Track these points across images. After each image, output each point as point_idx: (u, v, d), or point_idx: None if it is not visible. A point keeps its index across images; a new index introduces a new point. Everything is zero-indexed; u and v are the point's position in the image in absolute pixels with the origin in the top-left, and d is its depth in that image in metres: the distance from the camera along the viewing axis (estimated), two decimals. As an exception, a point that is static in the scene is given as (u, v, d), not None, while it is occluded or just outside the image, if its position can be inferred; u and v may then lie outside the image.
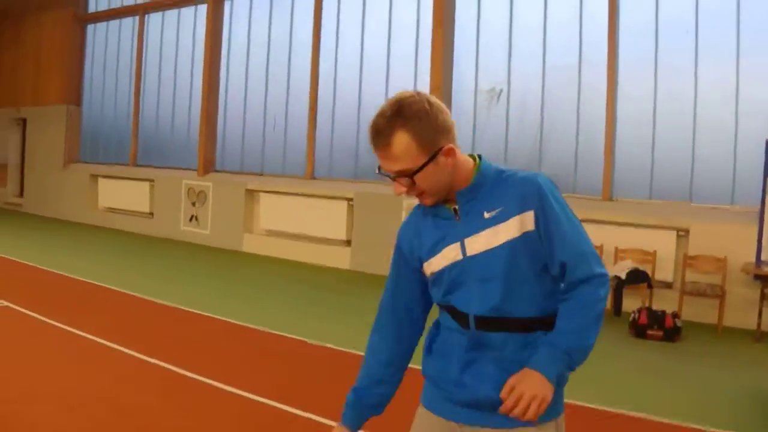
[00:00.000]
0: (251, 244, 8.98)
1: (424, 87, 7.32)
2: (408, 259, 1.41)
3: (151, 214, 10.29)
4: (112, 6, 11.36)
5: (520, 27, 6.92)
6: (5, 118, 13.24)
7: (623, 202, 6.36)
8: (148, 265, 7.76)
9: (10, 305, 5.24)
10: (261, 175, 9.28)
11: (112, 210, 10.94)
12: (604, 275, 1.29)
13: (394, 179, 1.28)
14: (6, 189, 13.39)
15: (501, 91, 6.88)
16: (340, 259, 8.01)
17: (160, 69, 10.55)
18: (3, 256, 7.51)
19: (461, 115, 7.14)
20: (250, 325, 4.95)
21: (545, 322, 1.30)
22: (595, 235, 5.46)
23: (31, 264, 7.12)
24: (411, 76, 7.57)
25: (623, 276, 5.24)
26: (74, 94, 11.93)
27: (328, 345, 4.48)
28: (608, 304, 5.26)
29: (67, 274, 6.64)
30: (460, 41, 7.31)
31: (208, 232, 9.48)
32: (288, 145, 8.91)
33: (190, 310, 5.40)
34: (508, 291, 1.28)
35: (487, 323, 1.30)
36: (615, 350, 4.63)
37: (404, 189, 1.29)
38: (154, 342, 4.39)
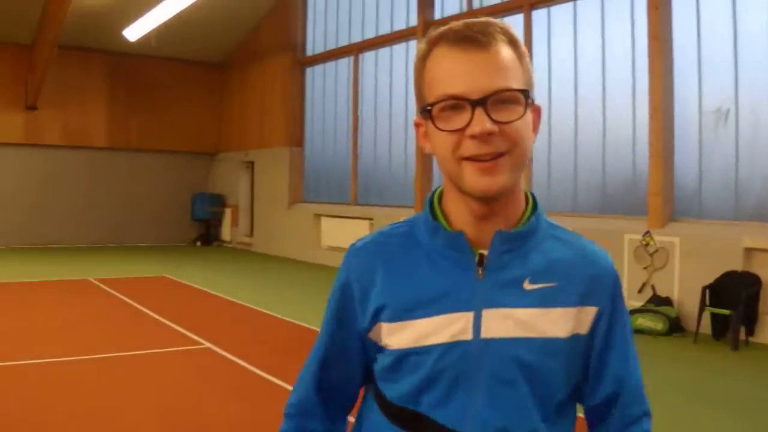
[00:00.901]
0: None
1: (643, 110, 8.16)
2: (357, 313, 1.10)
3: (371, 252, 12.26)
4: (328, 48, 13.81)
5: (746, 37, 7.43)
6: (236, 162, 16.59)
7: None
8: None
9: (212, 347, 6.38)
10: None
11: (334, 248, 13.20)
12: (650, 413, 1.13)
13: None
14: (238, 229, 16.59)
15: (728, 110, 7.47)
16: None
17: (375, 107, 12.73)
18: (220, 295, 9.46)
19: (685, 139, 7.81)
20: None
21: None
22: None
23: (246, 305, 8.74)
24: (628, 98, 8.41)
25: None
26: (296, 136, 14.71)
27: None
28: None
29: (279, 316, 8.02)
30: (680, 58, 7.96)
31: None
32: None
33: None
34: (529, 409, 1.03)
35: None
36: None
37: (495, 128, 0.97)
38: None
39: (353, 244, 1.16)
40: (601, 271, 1.08)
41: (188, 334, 6.95)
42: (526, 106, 1.00)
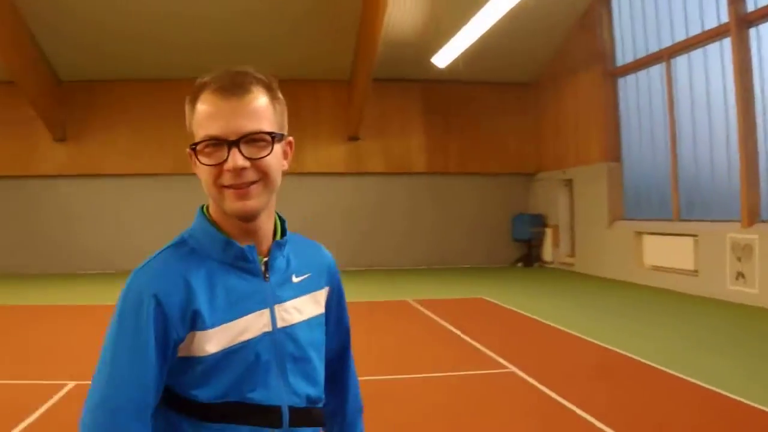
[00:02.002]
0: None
1: None
2: (173, 325, 1.43)
3: (696, 271, 12.85)
4: (638, 55, 14.83)
5: None
6: (554, 180, 18.23)
7: None
8: (685, 329, 9.72)
9: (517, 371, 7.06)
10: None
11: (657, 268, 14.04)
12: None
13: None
14: (559, 249, 18.11)
15: None
16: None
17: (692, 114, 13.57)
18: (535, 318, 10.58)
19: None
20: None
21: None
22: None
23: (560, 328, 9.68)
24: None
25: None
26: (613, 151, 16.21)
27: None
28: None
29: (592, 340, 8.72)
30: None
31: (756, 291, 11.48)
32: None
33: (711, 388, 6.38)
34: (318, 370, 1.62)
35: (301, 417, 1.54)
36: None
37: (246, 164, 1.44)
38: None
39: (141, 267, 1.49)
40: (327, 258, 1.77)
41: (495, 357, 7.91)
42: (273, 143, 1.48)
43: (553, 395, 6.21)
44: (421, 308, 11.83)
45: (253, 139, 1.46)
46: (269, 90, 1.54)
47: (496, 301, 12.52)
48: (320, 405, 1.63)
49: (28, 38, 16.25)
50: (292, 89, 18.05)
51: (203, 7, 15.49)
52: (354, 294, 13.64)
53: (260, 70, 1.55)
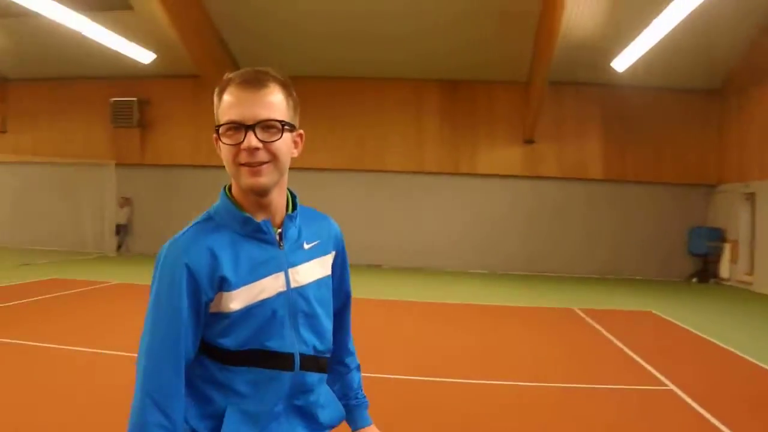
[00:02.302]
0: None
1: None
2: (203, 289, 1.80)
3: None
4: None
5: None
6: (735, 194, 18.06)
7: None
8: None
9: (676, 390, 7.15)
10: None
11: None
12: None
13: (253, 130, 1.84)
14: (737, 266, 17.89)
15: None
16: None
17: None
18: (704, 336, 10.53)
19: None
20: None
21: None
22: None
23: (729, 349, 9.54)
24: None
25: None
26: None
27: None
28: None
29: (763, 366, 8.49)
30: None
31: None
32: None
33: None
34: (325, 324, 2.04)
35: (310, 364, 1.95)
36: None
37: (259, 145, 1.84)
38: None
39: (173, 240, 1.88)
40: (334, 227, 2.17)
41: (655, 373, 7.95)
42: (283, 131, 1.86)
43: (712, 420, 6.16)
44: (587, 318, 12.09)
45: (266, 125, 1.86)
46: (284, 87, 1.92)
47: (665, 317, 12.54)
48: (327, 356, 2.06)
49: (214, 35, 18.21)
50: (468, 91, 19.18)
51: (381, 5, 16.57)
52: (524, 299, 14.72)
53: (278, 71, 1.94)
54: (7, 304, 10.98)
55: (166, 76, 21.00)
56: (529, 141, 19.91)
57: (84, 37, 16.39)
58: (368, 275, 18.02)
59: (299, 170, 20.32)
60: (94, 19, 15.95)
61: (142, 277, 14.93)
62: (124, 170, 21.75)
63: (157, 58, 18.52)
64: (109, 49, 17.28)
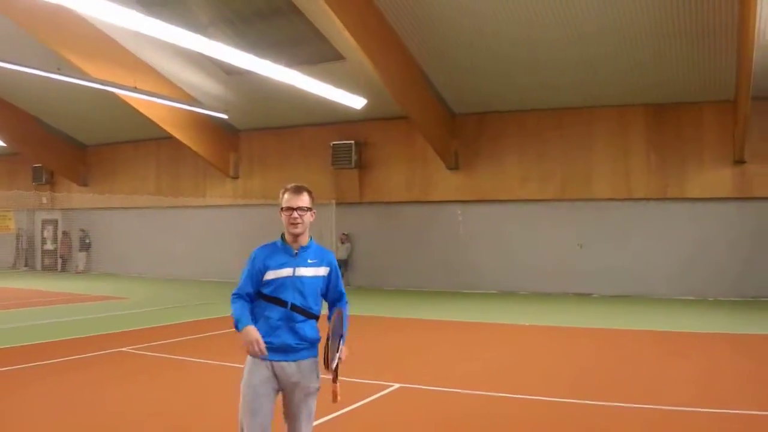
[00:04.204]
0: None
1: None
2: (259, 268, 4.41)
3: None
4: None
5: None
6: None
7: None
8: None
9: None
10: None
11: None
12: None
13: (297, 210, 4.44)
14: None
15: None
16: None
17: None
18: None
19: None
20: None
21: (315, 317, 4.49)
22: None
23: None
24: None
25: None
26: None
27: None
28: None
29: None
30: None
31: None
32: None
33: None
34: (310, 297, 4.47)
35: (297, 309, 4.41)
36: None
37: (297, 216, 4.40)
38: None
39: (260, 246, 4.54)
40: (329, 255, 4.63)
41: None
42: (308, 211, 4.47)
43: None
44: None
45: (300, 208, 4.37)
46: (309, 192, 4.46)
47: None
48: (307, 309, 4.38)
49: (419, 74, 19.55)
50: (673, 113, 19.22)
51: (577, 29, 17.09)
52: (738, 325, 14.70)
53: (307, 185, 4.51)
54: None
55: (379, 119, 22.84)
56: (740, 161, 19.29)
57: (302, 88, 18.21)
58: (578, 305, 18.57)
59: (511, 202, 21.95)
60: (312, 71, 17.89)
61: (363, 308, 16.33)
62: (343, 208, 23.76)
63: (368, 103, 19.92)
64: (325, 97, 19.05)
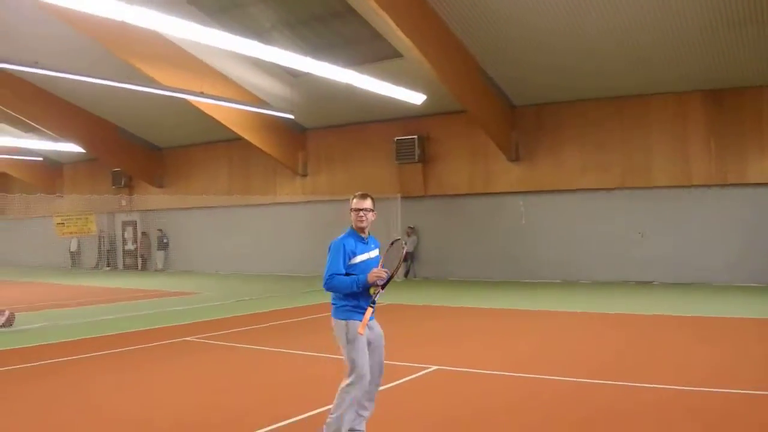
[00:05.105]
0: None
1: None
2: (348, 253, 5.98)
3: None
4: None
5: None
6: None
7: None
8: None
9: None
10: None
11: None
12: None
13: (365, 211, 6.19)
14: None
15: None
16: None
17: None
18: None
19: None
20: None
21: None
22: None
23: None
24: None
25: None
26: None
27: None
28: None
29: None
30: None
31: None
32: None
33: None
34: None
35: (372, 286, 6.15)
36: None
37: (363, 216, 6.12)
38: None
39: (340, 236, 6.13)
40: (378, 244, 6.40)
41: None
42: (372, 211, 6.21)
43: None
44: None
45: (365, 209, 6.06)
46: (371, 198, 6.13)
47: None
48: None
49: (475, 68, 20.01)
50: (733, 98, 19.27)
51: (629, 19, 17.30)
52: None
53: (370, 191, 6.29)
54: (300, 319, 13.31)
55: (440, 114, 23.45)
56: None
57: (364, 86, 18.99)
58: (641, 292, 18.85)
59: (571, 192, 22.31)
60: (371, 69, 18.67)
61: (428, 298, 16.86)
62: (408, 202, 24.47)
63: (428, 98, 20.65)
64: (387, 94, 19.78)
